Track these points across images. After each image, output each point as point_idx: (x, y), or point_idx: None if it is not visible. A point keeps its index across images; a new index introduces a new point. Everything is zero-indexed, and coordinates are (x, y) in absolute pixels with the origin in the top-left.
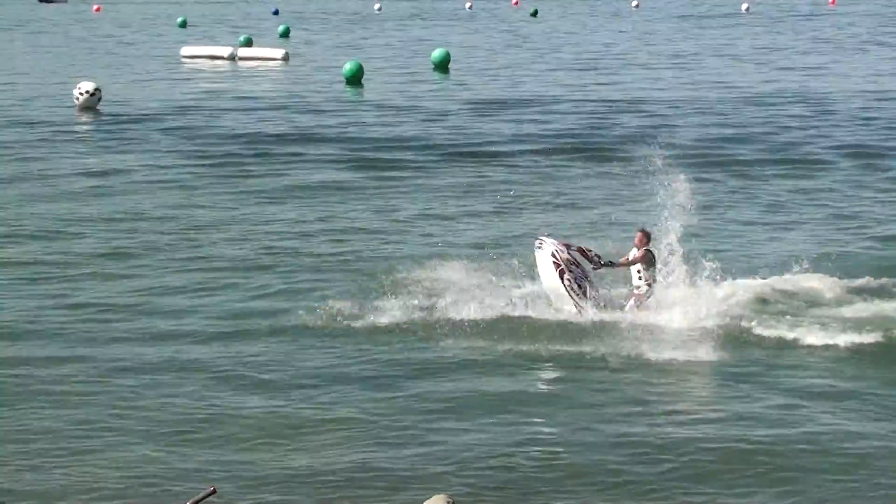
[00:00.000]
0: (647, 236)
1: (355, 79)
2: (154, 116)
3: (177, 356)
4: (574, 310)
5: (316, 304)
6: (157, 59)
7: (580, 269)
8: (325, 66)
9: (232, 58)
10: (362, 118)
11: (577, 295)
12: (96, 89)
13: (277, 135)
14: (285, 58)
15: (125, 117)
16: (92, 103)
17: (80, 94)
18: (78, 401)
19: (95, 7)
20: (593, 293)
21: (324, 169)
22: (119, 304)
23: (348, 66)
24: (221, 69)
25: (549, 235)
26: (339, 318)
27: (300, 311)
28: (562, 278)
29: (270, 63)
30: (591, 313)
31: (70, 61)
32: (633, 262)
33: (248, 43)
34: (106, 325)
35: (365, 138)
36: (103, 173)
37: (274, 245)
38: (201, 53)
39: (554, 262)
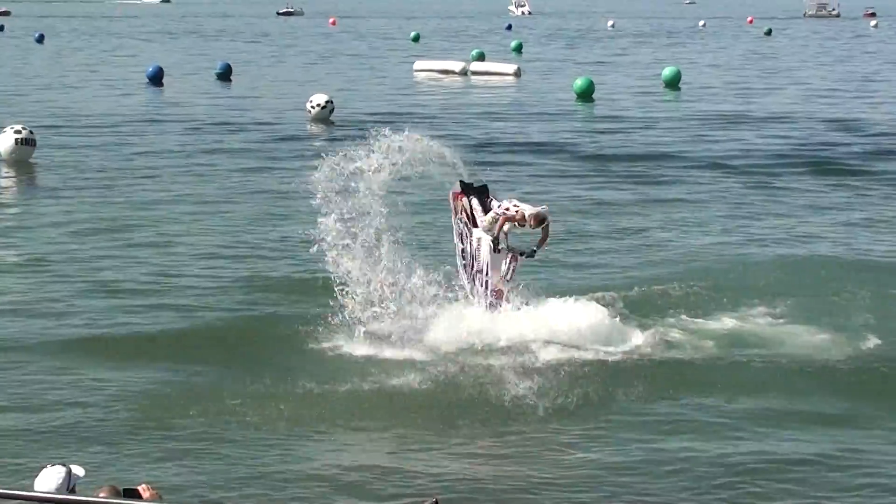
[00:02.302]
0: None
1: (586, 94)
2: (385, 128)
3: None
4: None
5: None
6: (390, 73)
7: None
8: (556, 82)
9: (464, 72)
10: (592, 133)
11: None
12: (327, 101)
13: (506, 146)
14: (517, 73)
15: (356, 129)
16: (323, 115)
17: (312, 106)
18: (298, 401)
19: (331, 20)
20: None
21: (552, 180)
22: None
23: (579, 82)
24: (453, 83)
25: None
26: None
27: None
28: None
29: (502, 78)
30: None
31: (305, 73)
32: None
33: (481, 58)
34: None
35: (594, 153)
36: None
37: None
38: (434, 68)
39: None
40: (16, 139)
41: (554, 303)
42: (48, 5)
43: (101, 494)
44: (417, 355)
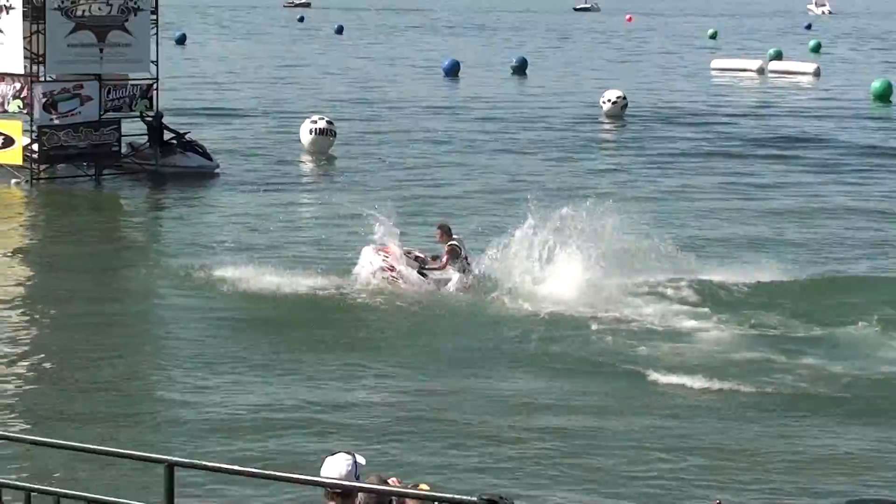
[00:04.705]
0: (446, 231)
1: (884, 96)
2: (676, 125)
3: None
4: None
5: None
6: (686, 70)
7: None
8: (854, 83)
9: (761, 71)
10: (886, 132)
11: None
12: (619, 97)
13: (797, 144)
14: (816, 73)
15: (648, 125)
16: (616, 111)
17: (605, 101)
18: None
19: (628, 17)
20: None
21: (837, 177)
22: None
23: (877, 84)
24: (750, 81)
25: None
26: None
27: None
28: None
29: (800, 77)
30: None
31: (600, 68)
32: (445, 265)
33: (779, 56)
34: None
35: (886, 153)
36: (614, 170)
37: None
38: (731, 66)
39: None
40: (311, 129)
41: None
42: None
43: (370, 479)
44: None
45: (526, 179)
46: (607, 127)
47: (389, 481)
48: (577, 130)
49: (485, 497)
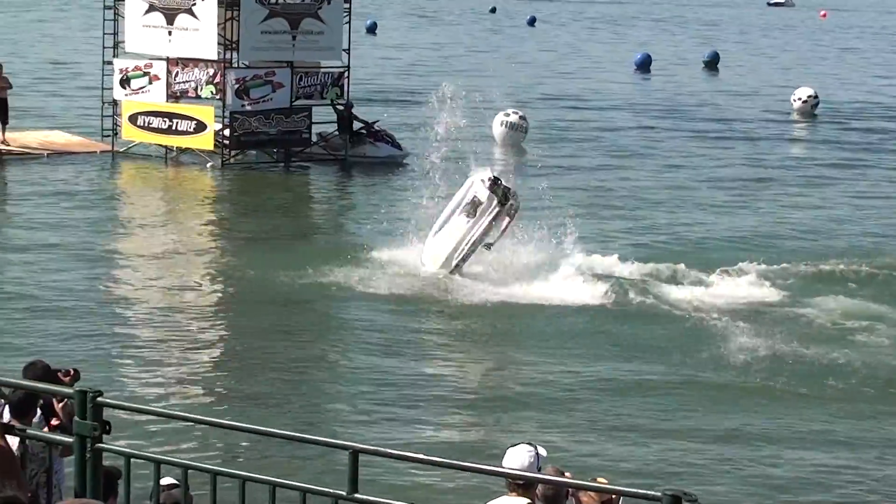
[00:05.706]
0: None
1: None
2: (868, 124)
3: None
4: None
5: None
6: (879, 68)
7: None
8: None
9: None
10: None
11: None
12: (809, 96)
13: None
14: None
15: (839, 124)
16: (806, 109)
17: (796, 100)
18: None
19: (822, 13)
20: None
21: None
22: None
23: None
24: None
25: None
26: None
27: None
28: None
29: None
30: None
31: (793, 66)
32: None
33: None
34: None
35: None
36: (804, 171)
37: None
38: None
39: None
40: (502, 122)
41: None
42: None
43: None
44: None
45: (711, 177)
46: (798, 125)
47: (565, 475)
48: (768, 128)
49: (669, 493)
